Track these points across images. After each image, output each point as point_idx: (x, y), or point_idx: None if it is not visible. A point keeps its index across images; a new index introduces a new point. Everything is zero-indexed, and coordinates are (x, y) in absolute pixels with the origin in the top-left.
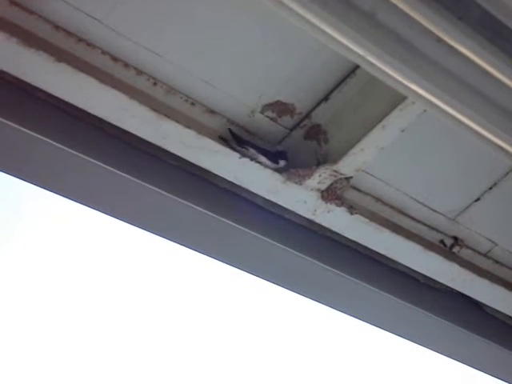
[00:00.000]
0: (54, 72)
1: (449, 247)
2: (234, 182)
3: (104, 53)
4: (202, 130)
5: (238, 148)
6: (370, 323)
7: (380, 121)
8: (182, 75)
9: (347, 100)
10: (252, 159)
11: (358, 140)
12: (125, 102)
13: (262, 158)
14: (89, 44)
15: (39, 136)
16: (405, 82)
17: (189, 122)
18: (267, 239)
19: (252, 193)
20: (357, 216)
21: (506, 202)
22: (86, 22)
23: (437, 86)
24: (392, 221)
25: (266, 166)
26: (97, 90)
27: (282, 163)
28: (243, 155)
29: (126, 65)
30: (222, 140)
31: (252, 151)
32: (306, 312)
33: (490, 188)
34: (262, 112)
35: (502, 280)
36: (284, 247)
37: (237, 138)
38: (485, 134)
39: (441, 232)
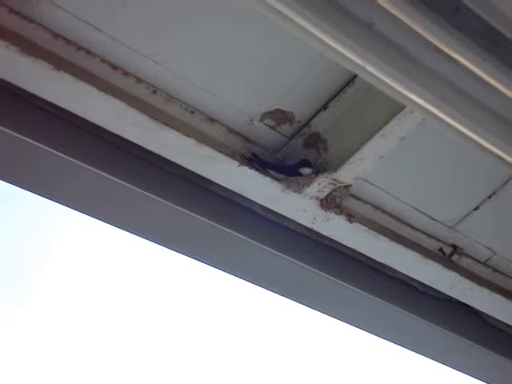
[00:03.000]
0: (53, 80)
1: (448, 255)
2: (233, 190)
3: (103, 61)
4: (201, 138)
5: (261, 170)
6: (369, 332)
7: (379, 129)
8: (182, 83)
9: (346, 109)
10: (274, 179)
11: (358, 148)
12: (124, 110)
13: (282, 176)
14: (88, 52)
15: (38, 144)
16: (403, 91)
17: (188, 130)
18: (266, 247)
19: (251, 201)
20: (356, 224)
21: (504, 211)
22: (86, 31)
23: (435, 95)
24: (391, 229)
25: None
26: (96, 98)
27: (307, 171)
28: (267, 176)
29: (126, 73)
30: (245, 159)
31: (272, 172)
32: (305, 320)
33: (489, 197)
34: (261, 120)
35: (501, 288)
36: (283, 255)
37: (259, 160)
38: (483, 143)
39: (440, 240)
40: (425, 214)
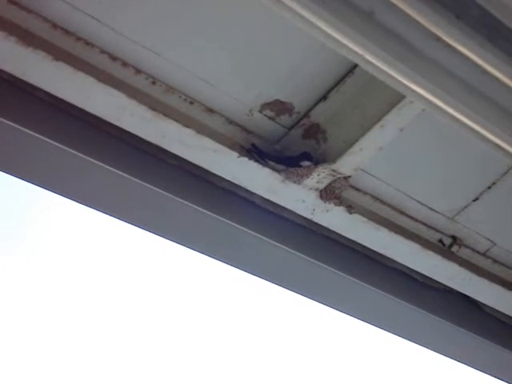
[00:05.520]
0: (52, 71)
1: (447, 246)
2: (233, 180)
3: (102, 52)
4: (200, 128)
5: (261, 161)
6: (368, 322)
7: (379, 120)
8: (181, 74)
9: (346, 99)
10: (273, 170)
11: (357, 139)
12: (123, 101)
13: (281, 167)
14: (87, 43)
15: (37, 135)
16: (403, 80)
17: (187, 121)
18: (265, 238)
19: (250, 192)
20: (355, 215)
21: (504, 202)
22: (85, 21)
23: (435, 84)
24: (390, 220)
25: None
26: (95, 88)
27: (307, 163)
28: (266, 167)
29: (125, 64)
30: (244, 150)
31: (271, 163)
32: (304, 311)
33: (489, 187)
34: (260, 111)
35: (500, 279)
36: (282, 246)
37: (258, 151)
38: (483, 133)
39: (439, 231)
40: (424, 204)
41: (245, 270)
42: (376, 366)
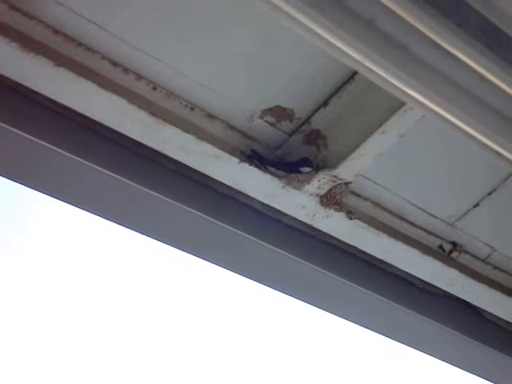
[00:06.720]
0: (53, 76)
1: (447, 252)
2: (233, 186)
3: (104, 57)
4: (201, 134)
5: (261, 167)
6: (368, 328)
7: (379, 126)
8: (182, 80)
9: (346, 105)
10: (274, 176)
11: (357, 145)
12: (124, 107)
13: (282, 173)
14: (88, 49)
15: (37, 140)
16: (403, 87)
17: (188, 127)
18: (266, 244)
19: (251, 197)
20: (356, 221)
21: (504, 208)
22: (86, 27)
23: (435, 92)
24: (391, 226)
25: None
26: (96, 94)
27: (307, 170)
28: (267, 173)
29: (126, 69)
30: (245, 156)
31: (272, 169)
32: (304, 317)
33: (489, 194)
34: (261, 117)
35: (500, 285)
36: (282, 252)
37: (259, 157)
38: (483, 140)
39: (439, 237)
40: (424, 210)
41: (245, 276)
42: (375, 372)
